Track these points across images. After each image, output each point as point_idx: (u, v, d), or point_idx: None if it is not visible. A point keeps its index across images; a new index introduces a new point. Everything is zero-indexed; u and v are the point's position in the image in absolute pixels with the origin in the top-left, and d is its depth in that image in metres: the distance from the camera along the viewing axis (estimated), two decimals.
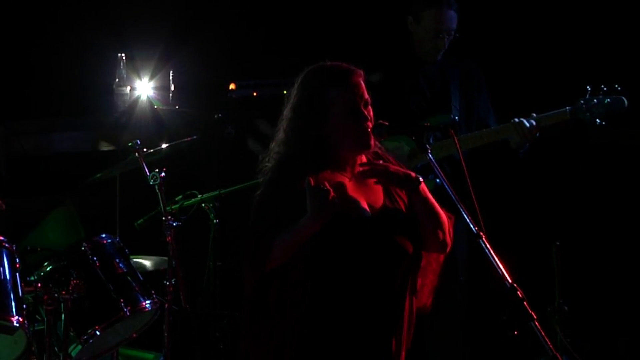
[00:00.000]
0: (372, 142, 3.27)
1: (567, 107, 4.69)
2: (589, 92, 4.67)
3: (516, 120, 4.70)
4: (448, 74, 4.91)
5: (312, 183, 3.07)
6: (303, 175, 3.14)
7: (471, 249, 4.88)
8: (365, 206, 3.24)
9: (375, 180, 3.29)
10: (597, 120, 4.63)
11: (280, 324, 3.15)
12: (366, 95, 3.26)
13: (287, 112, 3.31)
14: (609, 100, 4.61)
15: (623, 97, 4.61)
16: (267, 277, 3.17)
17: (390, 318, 3.25)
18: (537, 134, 4.73)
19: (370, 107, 3.28)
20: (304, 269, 3.14)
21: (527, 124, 4.67)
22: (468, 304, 5.00)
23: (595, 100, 4.62)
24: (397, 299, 3.26)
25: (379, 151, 3.39)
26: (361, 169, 3.27)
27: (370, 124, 3.25)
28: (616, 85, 4.62)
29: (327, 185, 3.08)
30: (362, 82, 3.26)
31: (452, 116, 4.81)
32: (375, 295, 3.21)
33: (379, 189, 3.31)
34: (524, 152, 4.82)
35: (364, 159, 3.35)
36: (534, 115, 4.72)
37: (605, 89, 4.62)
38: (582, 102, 4.66)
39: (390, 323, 3.25)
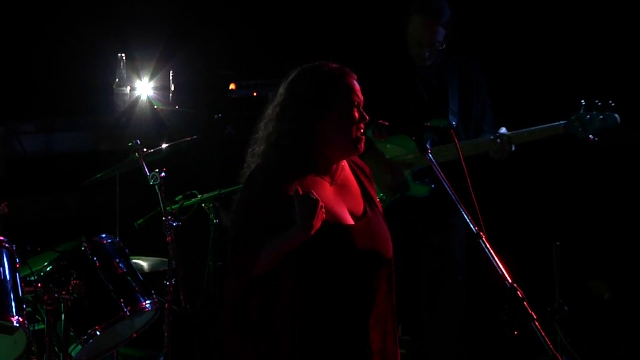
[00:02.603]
0: (362, 146, 3.27)
1: (561, 122, 4.64)
2: (582, 107, 4.60)
3: (491, 137, 4.66)
4: (447, 77, 4.89)
5: (300, 192, 3.07)
6: (288, 178, 3.14)
7: (469, 248, 4.89)
8: (348, 213, 3.25)
9: (354, 185, 3.32)
10: (591, 135, 4.58)
11: (267, 331, 3.14)
12: (362, 97, 3.27)
13: (275, 109, 3.28)
14: (602, 117, 4.55)
15: (616, 115, 4.56)
16: (250, 284, 3.16)
17: (378, 319, 3.28)
18: (513, 148, 4.69)
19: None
20: (294, 276, 3.13)
21: (499, 141, 4.64)
22: (467, 302, 5.00)
23: (588, 116, 4.57)
24: (383, 301, 3.29)
25: (357, 160, 3.43)
26: None
27: (362, 126, 3.26)
28: (610, 101, 4.56)
29: (314, 194, 3.07)
30: (357, 85, 3.28)
31: (448, 121, 4.79)
32: (362, 300, 3.23)
33: (358, 195, 3.33)
34: (503, 161, 4.78)
35: (345, 165, 3.36)
36: (517, 129, 4.69)
37: (599, 104, 4.56)
38: (575, 117, 4.60)
39: (379, 324, 3.29)
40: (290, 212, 3.08)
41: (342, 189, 3.30)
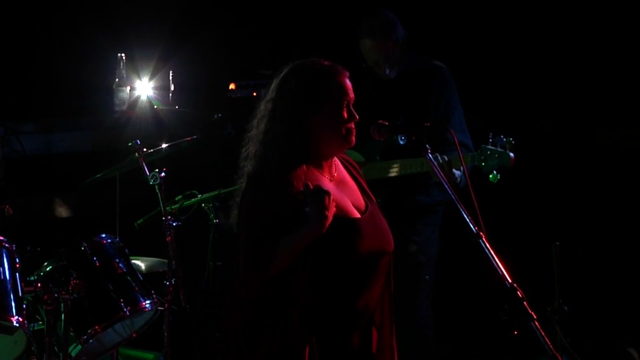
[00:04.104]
0: (354, 139, 3.29)
1: (472, 153, 4.51)
2: (490, 141, 4.44)
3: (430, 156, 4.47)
4: (402, 91, 4.82)
5: (310, 186, 3.08)
6: (292, 175, 3.15)
7: (463, 252, 4.86)
8: (352, 207, 3.28)
9: (351, 181, 3.35)
10: (494, 171, 4.40)
11: (284, 328, 3.14)
12: (353, 95, 3.29)
13: (267, 106, 3.29)
14: (497, 155, 4.39)
15: (511, 154, 4.37)
16: (265, 283, 3.16)
17: (382, 314, 3.33)
18: (456, 172, 4.52)
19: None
20: (308, 272, 3.13)
21: (440, 159, 4.43)
22: (457, 308, 4.96)
23: (489, 152, 4.41)
24: (386, 295, 3.34)
25: (345, 157, 3.46)
26: None
27: (352, 125, 3.27)
28: (510, 138, 4.38)
29: (323, 187, 3.10)
30: (349, 83, 3.29)
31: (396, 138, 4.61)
32: (369, 293, 3.25)
33: (356, 190, 3.37)
34: (463, 185, 4.60)
35: (339, 162, 3.39)
36: (445, 157, 4.48)
37: (504, 139, 4.39)
38: (480, 150, 4.46)
39: (383, 318, 3.34)
40: (300, 209, 3.10)
41: (341, 184, 3.33)
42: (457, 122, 4.82)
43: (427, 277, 4.85)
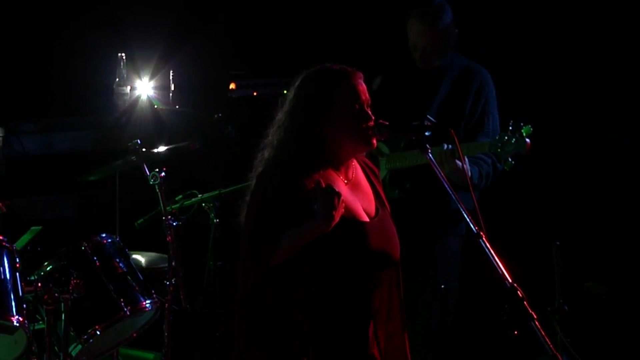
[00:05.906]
0: (375, 141, 3.29)
1: (490, 140, 4.52)
2: (510, 128, 4.43)
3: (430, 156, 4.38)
4: (441, 83, 4.83)
5: (322, 184, 3.09)
6: (305, 173, 3.17)
7: (466, 254, 4.85)
8: (362, 211, 3.28)
9: (366, 185, 3.36)
10: (509, 158, 4.39)
11: (283, 323, 3.15)
12: (368, 96, 3.30)
13: (285, 112, 3.31)
14: (514, 140, 4.38)
15: (527, 140, 4.37)
16: (266, 275, 3.17)
17: (387, 320, 3.33)
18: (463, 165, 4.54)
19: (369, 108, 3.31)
20: (309, 269, 3.14)
21: (446, 147, 4.43)
22: (457, 308, 4.93)
23: (506, 137, 4.40)
24: (394, 302, 3.34)
25: (366, 160, 3.47)
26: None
27: (372, 124, 3.27)
28: (529, 126, 4.36)
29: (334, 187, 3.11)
30: (363, 84, 3.30)
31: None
32: (371, 298, 3.25)
33: (370, 194, 3.37)
34: (484, 183, 4.63)
35: (357, 165, 3.39)
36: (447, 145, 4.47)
37: (522, 125, 4.39)
38: (499, 136, 4.46)
39: (389, 325, 3.33)
40: (308, 205, 3.11)
41: (355, 187, 3.34)
42: (491, 127, 4.80)
43: (442, 286, 4.82)
